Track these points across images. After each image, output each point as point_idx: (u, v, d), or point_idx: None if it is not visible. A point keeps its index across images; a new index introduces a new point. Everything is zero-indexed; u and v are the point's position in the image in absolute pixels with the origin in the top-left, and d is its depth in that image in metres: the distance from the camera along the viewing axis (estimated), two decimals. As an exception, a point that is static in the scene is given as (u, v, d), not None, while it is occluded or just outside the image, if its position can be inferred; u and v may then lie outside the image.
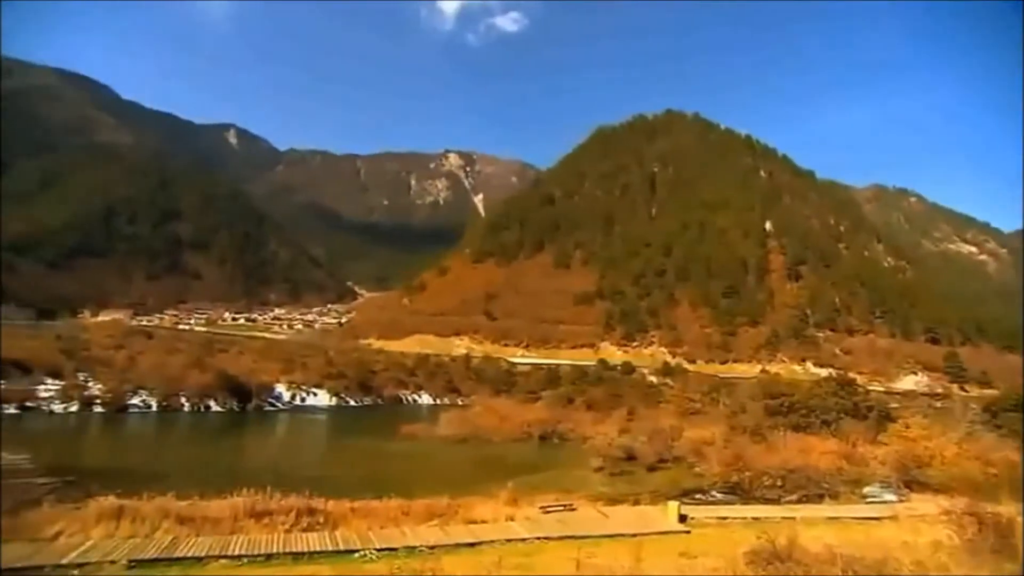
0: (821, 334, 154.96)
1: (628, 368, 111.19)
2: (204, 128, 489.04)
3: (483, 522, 19.93)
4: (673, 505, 22.34)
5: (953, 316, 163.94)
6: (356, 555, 15.41)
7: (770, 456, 33.08)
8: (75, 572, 12.67)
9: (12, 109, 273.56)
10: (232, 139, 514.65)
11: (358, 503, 20.32)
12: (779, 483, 29.14)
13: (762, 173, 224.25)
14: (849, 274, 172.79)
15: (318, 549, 15.50)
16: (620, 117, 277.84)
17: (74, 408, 51.40)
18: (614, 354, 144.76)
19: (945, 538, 13.79)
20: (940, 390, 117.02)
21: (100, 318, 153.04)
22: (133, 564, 13.29)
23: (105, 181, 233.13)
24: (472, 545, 17.17)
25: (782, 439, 36.33)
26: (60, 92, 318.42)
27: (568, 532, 19.03)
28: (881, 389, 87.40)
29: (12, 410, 48.55)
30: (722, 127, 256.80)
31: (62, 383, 54.46)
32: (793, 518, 21.36)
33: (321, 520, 18.17)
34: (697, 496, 29.38)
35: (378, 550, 15.78)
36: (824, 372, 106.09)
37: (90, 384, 55.44)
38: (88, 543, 14.46)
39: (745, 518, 22.59)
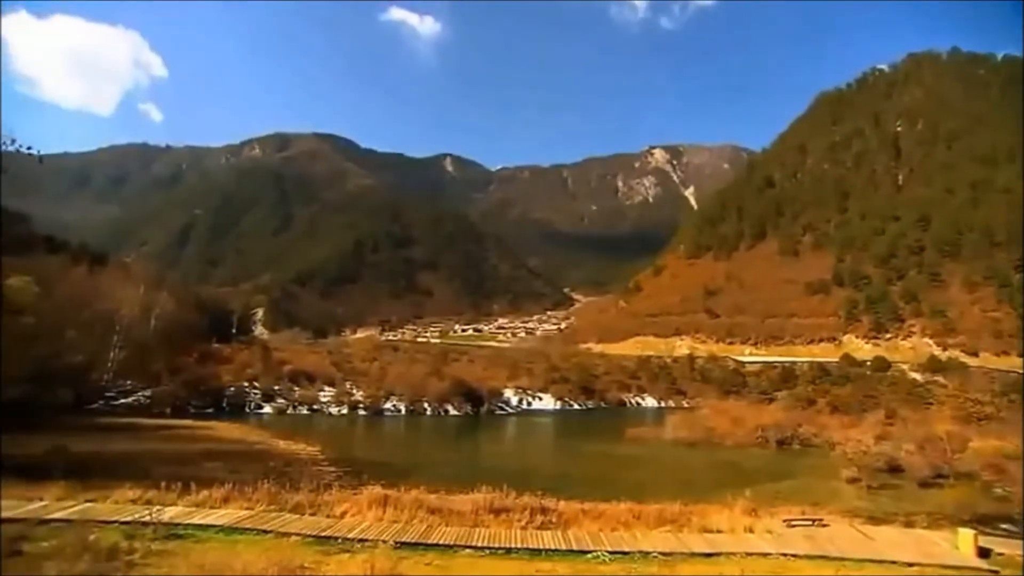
0: None
1: (881, 364, 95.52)
2: (425, 161, 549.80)
3: (719, 532, 18.56)
4: (967, 533, 17.65)
5: None
6: (589, 556, 15.47)
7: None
8: (358, 545, 15.04)
9: (291, 172, 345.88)
10: (449, 167, 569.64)
11: (588, 504, 20.49)
12: None
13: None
14: None
15: (552, 547, 15.89)
16: (844, 81, 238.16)
17: (344, 411, 62.47)
18: (861, 348, 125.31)
19: None
20: None
21: (357, 335, 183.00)
22: (398, 545, 15.16)
23: (354, 220, 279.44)
24: (708, 555, 16.06)
25: None
26: (319, 151, 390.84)
27: (820, 551, 16.63)
28: None
29: (305, 411, 61.15)
30: (998, 57, 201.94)
31: (335, 390, 66.36)
32: None
33: (553, 519, 18.70)
34: (1004, 527, 23.18)
35: (610, 552, 15.64)
36: None
37: (354, 391, 66.47)
38: (365, 523, 17.00)
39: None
